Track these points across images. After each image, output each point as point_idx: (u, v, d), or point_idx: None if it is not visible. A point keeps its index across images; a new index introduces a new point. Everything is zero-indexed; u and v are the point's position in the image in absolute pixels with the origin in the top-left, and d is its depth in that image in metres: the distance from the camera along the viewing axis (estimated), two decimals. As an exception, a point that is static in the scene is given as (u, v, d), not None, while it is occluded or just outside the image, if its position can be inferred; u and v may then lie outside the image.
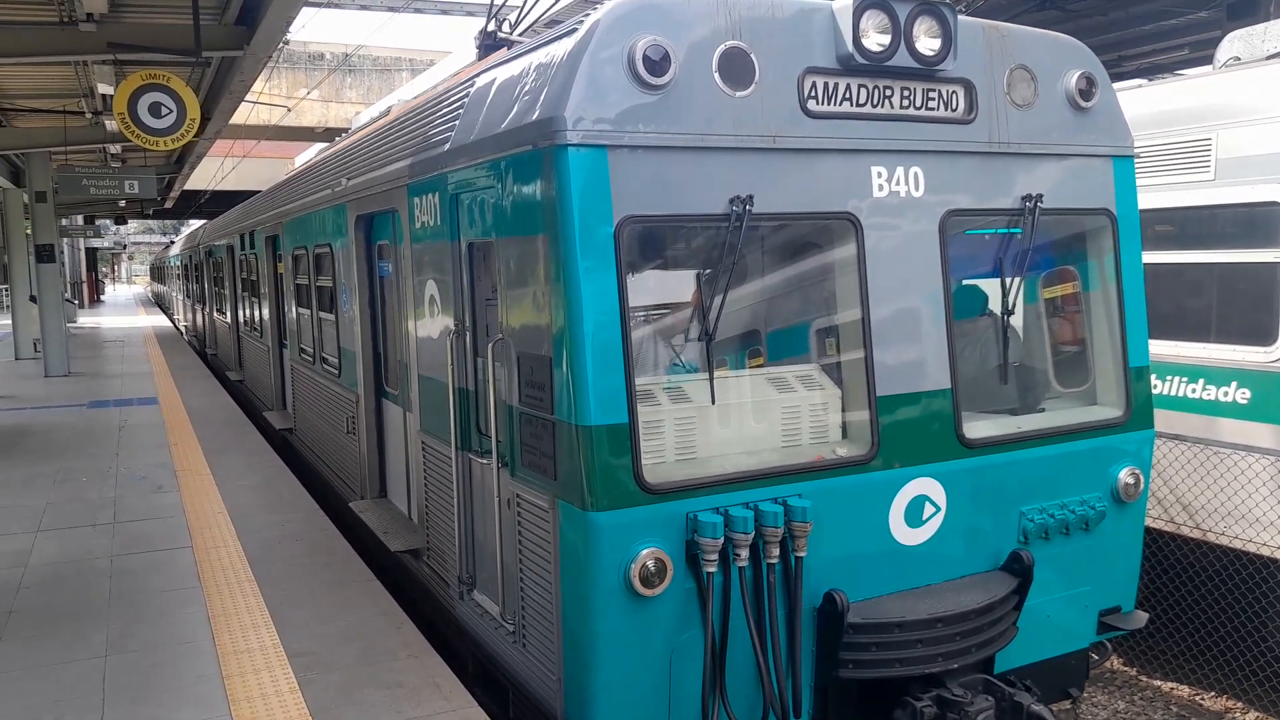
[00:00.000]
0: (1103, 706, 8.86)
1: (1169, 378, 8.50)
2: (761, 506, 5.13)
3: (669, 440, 5.27)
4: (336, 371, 10.21)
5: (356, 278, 9.04)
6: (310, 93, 33.91)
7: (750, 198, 5.16)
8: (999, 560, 6.07)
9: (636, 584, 4.88)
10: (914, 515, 5.72)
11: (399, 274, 8.04)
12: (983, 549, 6.02)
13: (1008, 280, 6.18)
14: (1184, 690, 9.00)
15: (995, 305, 6.38)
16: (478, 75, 6.38)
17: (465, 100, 6.35)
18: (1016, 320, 6.28)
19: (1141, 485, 6.51)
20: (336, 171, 9.82)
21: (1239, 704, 8.63)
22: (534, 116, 5.08)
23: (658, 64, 4.93)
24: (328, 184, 10.04)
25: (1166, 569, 8.85)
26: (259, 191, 19.33)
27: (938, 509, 5.80)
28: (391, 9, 32.98)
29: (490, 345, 5.70)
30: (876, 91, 5.62)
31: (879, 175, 5.63)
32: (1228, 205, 8.09)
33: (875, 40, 5.47)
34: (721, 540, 4.96)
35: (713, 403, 5.26)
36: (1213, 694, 8.84)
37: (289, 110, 32.99)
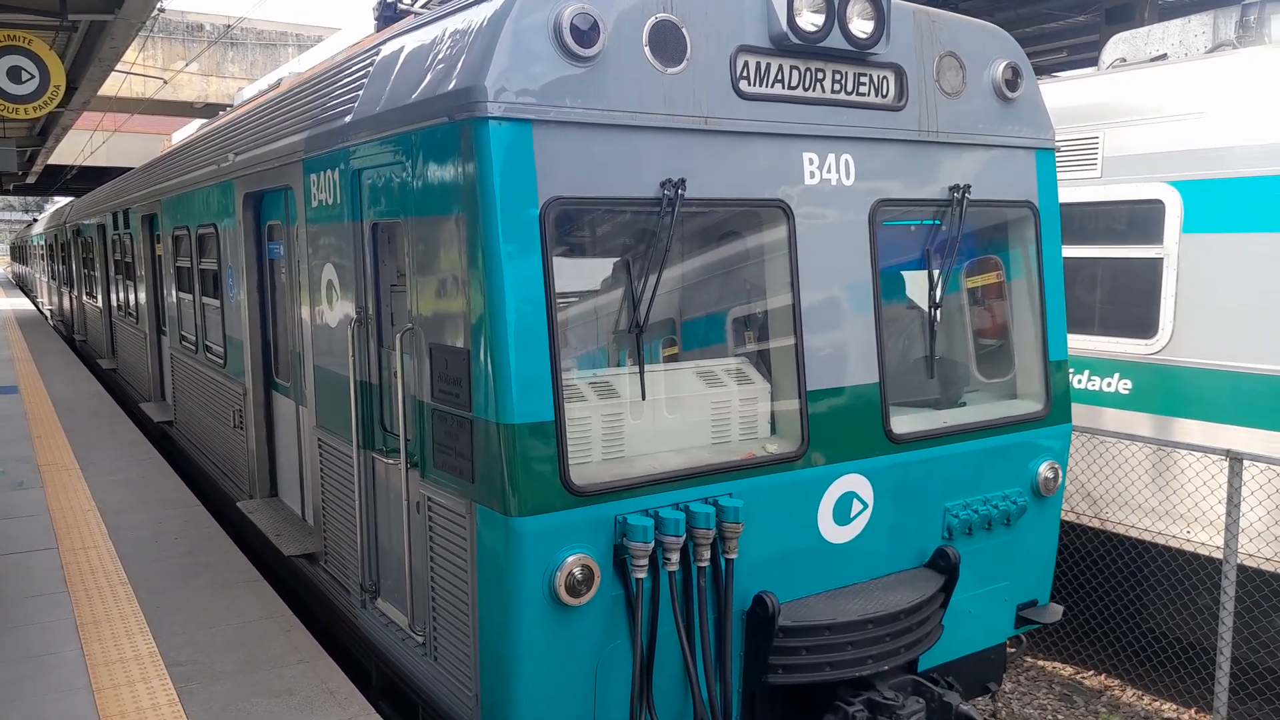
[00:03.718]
0: (990, 687, 8.97)
1: None
2: (692, 507, 4.86)
3: (595, 438, 4.95)
4: (222, 361, 9.53)
5: (244, 260, 8.41)
6: (188, 65, 32.18)
7: (683, 181, 4.87)
8: (924, 557, 5.97)
9: (562, 593, 4.56)
10: (842, 513, 5.55)
11: (292, 257, 7.49)
12: (908, 546, 5.90)
13: (933, 272, 6.06)
14: (1066, 670, 9.21)
15: (917, 296, 6.26)
16: (383, 43, 5.92)
17: (369, 69, 5.87)
18: (940, 313, 6.16)
19: (1060, 479, 6.51)
20: (223, 146, 9.13)
21: (1117, 682, 8.89)
22: (450, 86, 4.67)
23: (586, 34, 4.59)
24: (213, 159, 9.34)
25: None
26: (132, 168, 18.14)
27: (865, 506, 5.65)
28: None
29: (398, 336, 5.27)
30: (808, 74, 5.40)
31: (810, 162, 5.42)
32: (1114, 202, 8.25)
33: (809, 19, 5.25)
34: (652, 544, 4.68)
35: (643, 398, 4.96)
36: (1092, 673, 9.10)
37: (165, 83, 31.26)
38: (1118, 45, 9.41)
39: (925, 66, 5.83)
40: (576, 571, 4.58)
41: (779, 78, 5.31)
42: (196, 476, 11.26)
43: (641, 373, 4.93)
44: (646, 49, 4.83)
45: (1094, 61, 10.09)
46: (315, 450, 6.86)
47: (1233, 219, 7.41)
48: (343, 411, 6.25)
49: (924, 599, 5.54)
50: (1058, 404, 6.48)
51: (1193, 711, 8.24)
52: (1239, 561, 7.03)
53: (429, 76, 4.95)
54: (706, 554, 4.89)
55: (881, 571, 5.80)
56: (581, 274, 5.23)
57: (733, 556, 4.99)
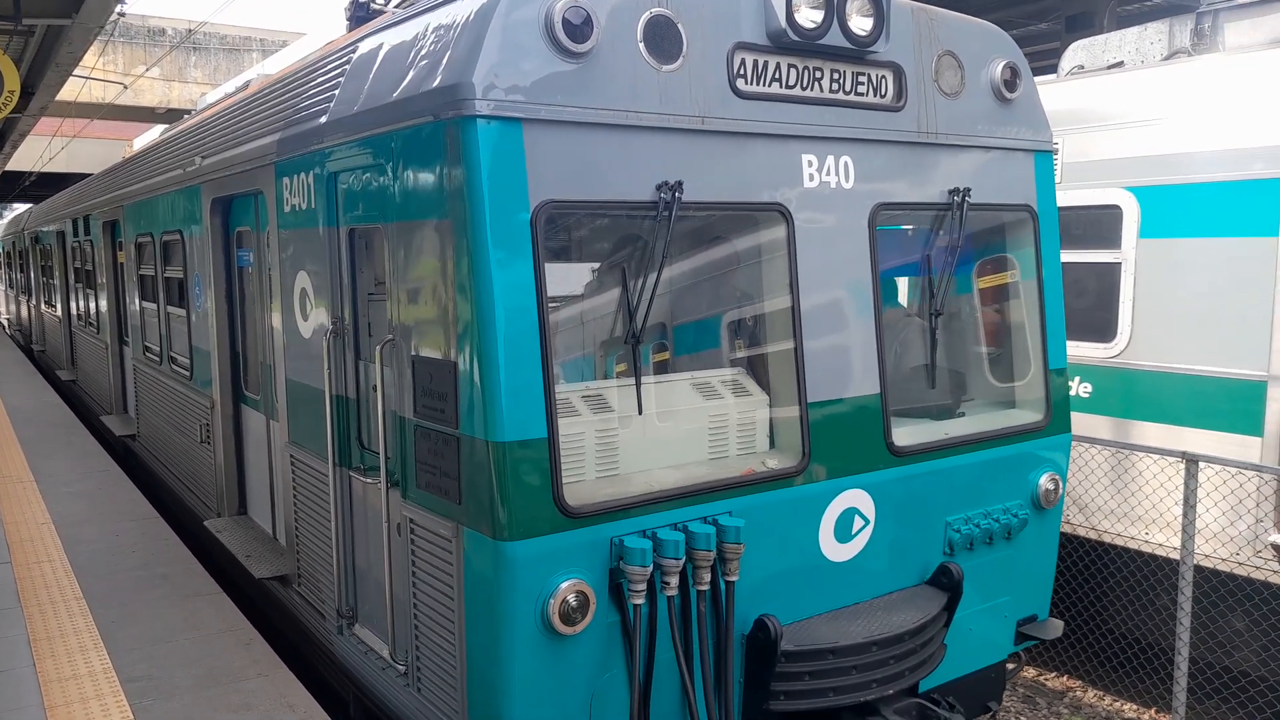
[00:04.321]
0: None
1: None
2: (691, 528, 4.61)
3: (589, 455, 4.69)
4: (188, 373, 9.16)
5: (212, 268, 8.07)
6: (150, 70, 31.67)
7: (680, 184, 4.63)
8: (925, 573, 5.76)
9: (556, 622, 4.28)
10: (843, 529, 5.33)
11: (262, 264, 7.18)
12: (909, 562, 5.69)
13: (933, 278, 5.87)
14: (1029, 671, 9.16)
15: (916, 303, 6.06)
16: (360, 40, 5.64)
17: (346, 68, 5.59)
18: (940, 320, 5.96)
19: (1060, 491, 6.34)
20: (189, 149, 8.77)
21: (1079, 683, 8.85)
22: (435, 84, 4.40)
23: (578, 28, 4.34)
24: (179, 163, 8.98)
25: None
26: (91, 174, 17.66)
27: (866, 522, 5.43)
28: (242, -18, 31.21)
29: (378, 348, 4.98)
30: (806, 73, 5.19)
31: (809, 164, 5.20)
32: (1073, 208, 8.22)
33: (808, 15, 5.04)
34: (650, 568, 4.42)
35: (640, 412, 4.71)
36: (1054, 674, 9.06)
37: (126, 88, 30.72)
38: (1076, 53, 9.47)
39: (924, 66, 5.64)
40: (571, 598, 4.31)
41: (776, 76, 5.09)
42: (161, 493, 10.84)
43: (638, 385, 4.68)
44: (641, 45, 4.59)
45: (1054, 69, 10.15)
46: (287, 467, 6.54)
47: (1188, 224, 7.45)
48: (317, 427, 5.95)
49: (928, 619, 5.33)
50: (1058, 413, 6.31)
51: (1153, 711, 8.26)
52: (1196, 562, 7.06)
53: (411, 74, 4.68)
54: (706, 577, 4.64)
55: (883, 590, 5.58)
56: (573, 280, 4.97)
57: (733, 579, 4.74)
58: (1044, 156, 6.31)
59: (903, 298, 6.33)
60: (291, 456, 6.44)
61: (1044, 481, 6.21)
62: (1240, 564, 7.13)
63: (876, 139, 5.46)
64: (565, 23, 4.31)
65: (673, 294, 5.46)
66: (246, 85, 10.39)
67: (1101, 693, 8.61)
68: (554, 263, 4.71)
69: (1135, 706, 8.35)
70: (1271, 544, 6.97)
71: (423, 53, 4.67)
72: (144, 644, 6.33)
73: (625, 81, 4.55)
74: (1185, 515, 6.85)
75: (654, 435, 4.93)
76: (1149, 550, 7.72)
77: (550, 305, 4.40)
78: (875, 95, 5.46)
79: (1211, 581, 7.40)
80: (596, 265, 5.03)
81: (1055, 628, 6.51)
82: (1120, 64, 8.86)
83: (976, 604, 6.04)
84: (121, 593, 7.25)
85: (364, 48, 5.49)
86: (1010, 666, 6.64)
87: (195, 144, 8.63)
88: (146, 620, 6.71)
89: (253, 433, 8.02)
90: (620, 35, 4.52)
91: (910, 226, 5.97)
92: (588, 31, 4.37)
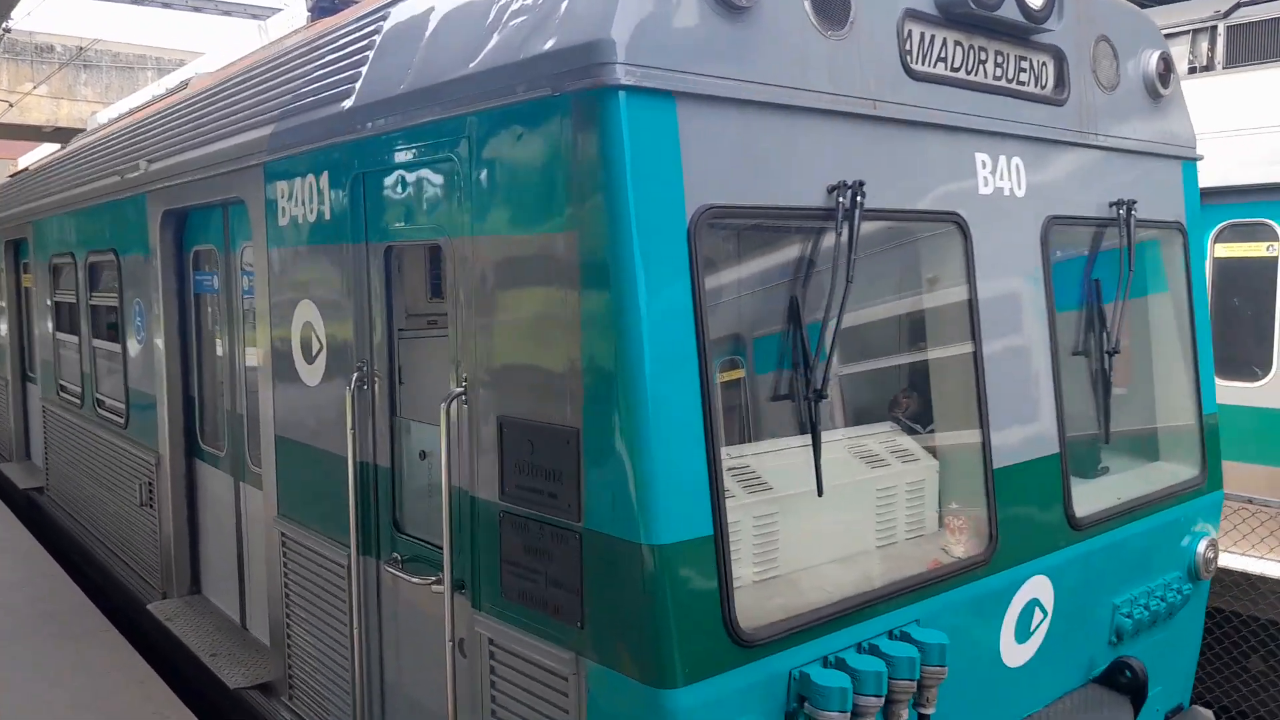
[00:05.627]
0: None
1: None
2: (886, 649, 3.44)
3: (745, 554, 3.48)
4: (122, 420, 7.58)
5: (161, 294, 6.58)
6: (37, 88, 30.09)
7: (861, 184, 3.50)
8: (1091, 669, 4.70)
9: None
10: (1023, 627, 4.24)
11: (233, 290, 5.80)
12: (1078, 658, 4.63)
13: (1102, 308, 4.86)
14: None
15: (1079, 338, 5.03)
16: (392, 5, 4.35)
17: (375, 39, 4.30)
18: (1114, 360, 4.94)
19: (1217, 559, 5.37)
20: (129, 152, 7.24)
21: None
22: (547, 45, 3.18)
23: None
24: (113, 169, 7.43)
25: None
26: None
27: (1045, 615, 4.35)
28: (136, 0, 29.79)
29: (444, 405, 3.68)
30: (971, 53, 4.13)
31: (983, 165, 4.14)
32: None
33: None
34: (850, 713, 3.23)
35: (820, 493, 3.51)
36: None
37: (11, 106, 29.11)
38: None
39: (1082, 52, 4.64)
40: None
41: (942, 56, 4.02)
42: (80, 561, 9.08)
43: (817, 458, 3.49)
44: (807, 4, 3.46)
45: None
46: (276, 547, 5.14)
47: None
48: (325, 500, 4.60)
49: (1128, 736, 4.26)
50: (1212, 467, 5.35)
51: None
52: None
53: (497, 38, 3.44)
54: (905, 714, 3.46)
55: (1053, 694, 4.51)
56: (725, 316, 3.75)
57: (930, 712, 3.58)
58: (1191, 166, 5.38)
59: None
60: (283, 535, 5.05)
61: (1203, 549, 5.23)
62: None
63: (1043, 137, 4.43)
64: None
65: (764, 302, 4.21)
66: (184, 85, 8.87)
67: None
68: (715, 290, 3.50)
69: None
70: None
71: (513, 8, 3.44)
72: (30, 686, 5.93)
73: (791, 50, 3.41)
74: None
75: (816, 518, 3.74)
76: None
77: (723, 348, 3.20)
78: (1036, 85, 4.44)
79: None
80: (754, 293, 3.83)
81: (1206, 718, 5.52)
82: None
83: None
84: (5, 633, 6.75)
85: (401, 13, 4.21)
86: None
87: (137, 146, 7.11)
88: (33, 663, 6.29)
89: (211, 495, 6.55)
90: None
91: (1059, 245, 4.94)
92: None
